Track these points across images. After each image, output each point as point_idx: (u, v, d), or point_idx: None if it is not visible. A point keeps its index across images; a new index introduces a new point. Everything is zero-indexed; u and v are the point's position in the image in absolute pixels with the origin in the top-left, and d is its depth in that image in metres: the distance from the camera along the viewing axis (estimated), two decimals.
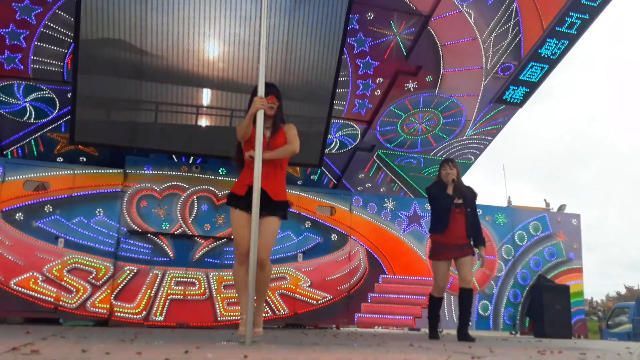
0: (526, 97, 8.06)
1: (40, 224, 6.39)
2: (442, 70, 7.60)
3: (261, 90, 3.78)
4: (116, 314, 6.43)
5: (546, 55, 7.44)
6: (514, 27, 7.17)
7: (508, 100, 8.05)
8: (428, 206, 8.05)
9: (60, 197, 6.53)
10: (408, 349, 3.60)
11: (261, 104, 3.73)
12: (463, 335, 5.24)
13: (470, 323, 5.59)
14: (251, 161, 3.74)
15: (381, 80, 7.66)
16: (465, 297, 5.34)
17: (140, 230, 6.69)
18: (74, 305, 6.31)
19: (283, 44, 6.60)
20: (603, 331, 16.38)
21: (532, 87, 7.91)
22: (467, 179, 9.34)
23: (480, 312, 7.97)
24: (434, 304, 5.56)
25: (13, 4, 6.28)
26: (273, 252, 7.03)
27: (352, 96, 7.77)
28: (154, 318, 6.54)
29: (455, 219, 5.38)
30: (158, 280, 6.64)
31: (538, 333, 7.92)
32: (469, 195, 5.50)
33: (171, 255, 6.76)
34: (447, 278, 5.50)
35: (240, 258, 3.91)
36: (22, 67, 6.77)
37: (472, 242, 5.45)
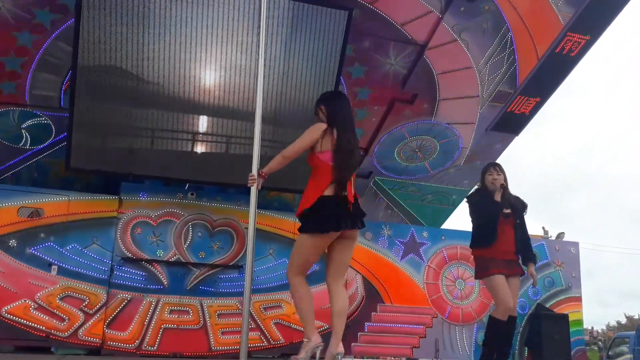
0: (524, 124, 8.12)
1: (33, 251, 6.32)
2: (438, 98, 7.64)
3: (259, 110, 3.81)
4: (109, 342, 6.32)
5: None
6: (509, 56, 7.24)
7: None
8: (426, 233, 8.03)
9: (54, 223, 6.47)
10: None
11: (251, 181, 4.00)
12: None
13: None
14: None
15: (377, 107, 7.69)
16: (511, 325, 4.66)
17: (134, 258, 6.62)
18: (66, 333, 6.20)
19: (281, 72, 6.64)
20: None
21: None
22: (465, 206, 9.27)
23: (479, 342, 7.86)
24: (497, 329, 4.62)
25: (12, 32, 6.32)
26: (269, 280, 7.03)
27: None
28: (147, 347, 6.42)
29: (503, 230, 4.70)
30: (152, 308, 6.54)
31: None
32: (518, 205, 4.87)
33: (165, 283, 6.68)
34: (511, 295, 4.63)
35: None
36: (19, 93, 6.78)
37: (520, 260, 4.79)
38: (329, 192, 3.69)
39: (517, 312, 7.97)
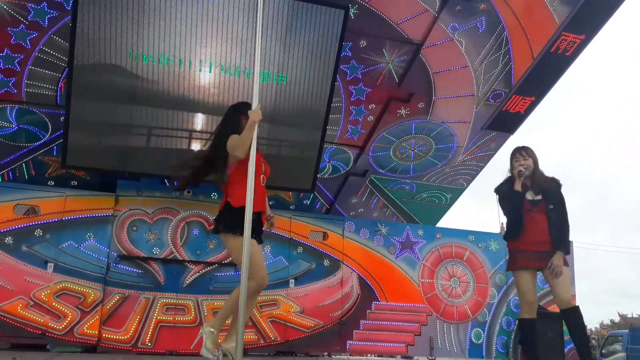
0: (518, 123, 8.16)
1: (29, 248, 6.33)
2: (433, 97, 7.67)
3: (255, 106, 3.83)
4: (105, 340, 6.33)
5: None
6: (505, 55, 7.27)
7: None
8: (421, 231, 8.07)
9: (50, 221, 6.47)
10: None
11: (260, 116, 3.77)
12: None
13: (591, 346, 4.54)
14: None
15: (373, 106, 7.71)
16: (568, 320, 4.25)
17: (130, 255, 6.63)
18: (62, 331, 6.21)
19: (277, 70, 6.65)
20: None
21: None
22: (459, 205, 9.34)
23: (473, 340, 7.90)
24: (528, 329, 4.38)
25: (8, 28, 6.31)
26: None
27: (345, 122, 7.81)
28: (143, 344, 6.44)
29: (532, 219, 4.33)
30: (148, 306, 6.56)
31: None
32: (551, 188, 4.40)
33: (161, 280, 6.69)
34: (534, 292, 4.37)
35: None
36: (15, 90, 6.77)
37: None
38: None
39: (511, 311, 8.12)
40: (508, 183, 4.53)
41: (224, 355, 3.61)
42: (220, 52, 6.42)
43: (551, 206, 4.32)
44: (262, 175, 3.93)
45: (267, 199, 4.20)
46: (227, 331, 3.81)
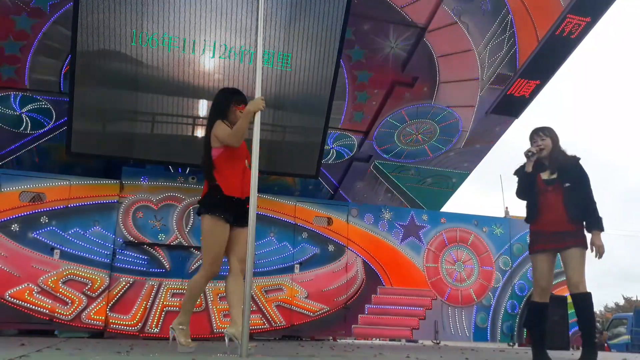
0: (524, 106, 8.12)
1: (36, 235, 6.36)
2: (438, 81, 7.63)
3: (258, 92, 3.80)
4: (111, 325, 6.39)
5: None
6: (509, 38, 7.22)
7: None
8: (426, 216, 8.08)
9: (56, 208, 6.50)
10: None
11: (263, 105, 3.76)
12: (585, 355, 3.94)
13: (595, 336, 4.40)
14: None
15: (377, 91, 7.69)
16: (577, 304, 4.10)
17: (136, 242, 6.67)
18: (69, 316, 6.27)
19: (280, 55, 6.61)
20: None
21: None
22: (464, 189, 9.32)
23: (478, 323, 7.94)
24: (534, 312, 4.30)
25: (11, 15, 6.30)
26: (270, 263, 7.09)
27: (349, 107, 7.80)
28: (150, 330, 6.50)
29: (548, 200, 4.21)
30: (154, 291, 6.60)
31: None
32: (567, 166, 4.24)
33: (167, 266, 6.73)
34: (548, 276, 4.24)
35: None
36: (18, 78, 6.77)
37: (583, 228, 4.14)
38: None
39: (516, 295, 8.14)
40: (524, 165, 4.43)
41: (230, 339, 3.64)
42: (224, 32, 6.37)
43: (567, 184, 4.16)
44: (246, 160, 3.91)
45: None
46: (230, 317, 3.82)
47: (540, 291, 4.22)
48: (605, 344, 14.32)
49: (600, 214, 4.14)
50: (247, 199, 3.67)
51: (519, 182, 4.42)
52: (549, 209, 4.19)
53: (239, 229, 3.84)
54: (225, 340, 3.66)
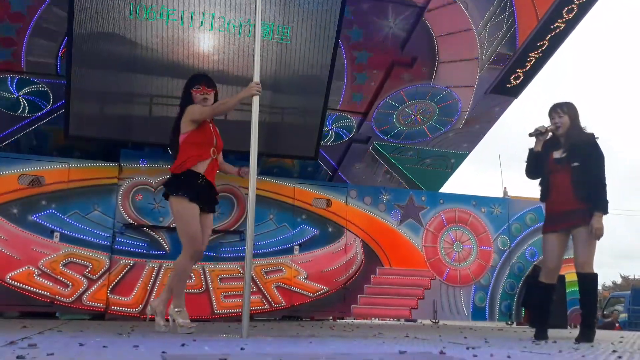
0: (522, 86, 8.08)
1: (35, 218, 6.37)
2: (437, 61, 7.59)
3: (256, 76, 3.81)
4: (112, 307, 6.43)
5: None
6: (509, 17, 7.16)
7: None
8: (424, 197, 8.09)
9: (55, 190, 6.50)
10: (404, 340, 3.61)
11: (258, 90, 3.76)
12: (582, 335, 3.97)
13: (596, 319, 4.41)
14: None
15: (377, 71, 7.64)
16: (581, 284, 4.10)
17: (135, 224, 6.68)
18: (70, 299, 6.30)
19: (280, 22, 6.54)
20: (599, 320, 16.48)
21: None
22: (463, 169, 9.33)
23: (477, 303, 8.00)
24: (540, 292, 4.32)
25: None
26: (271, 244, 7.12)
27: (348, 88, 7.76)
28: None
29: (556, 178, 4.17)
30: (154, 273, 6.63)
31: (534, 323, 7.94)
32: (579, 144, 4.13)
33: (167, 248, 6.76)
34: (557, 258, 4.21)
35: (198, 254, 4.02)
36: (15, 60, 6.72)
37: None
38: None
39: (514, 274, 8.18)
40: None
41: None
42: (222, 4, 6.30)
43: (575, 163, 4.07)
44: (213, 148, 3.96)
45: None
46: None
47: (547, 271, 4.21)
48: (617, 324, 14.42)
49: (608, 197, 4.03)
50: (213, 185, 3.88)
51: (527, 161, 4.38)
52: (558, 189, 4.13)
53: (205, 214, 3.91)
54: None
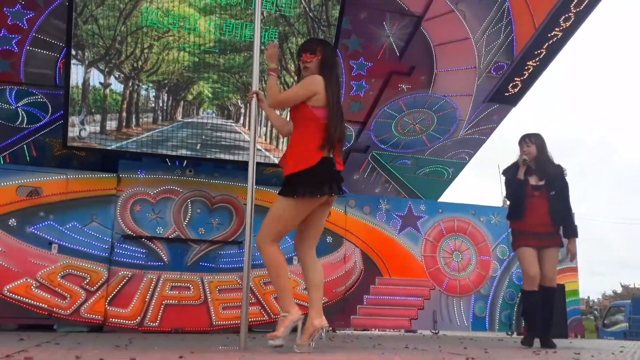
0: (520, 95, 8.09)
1: (33, 230, 6.35)
2: (435, 70, 7.61)
3: (255, 85, 3.78)
4: (110, 319, 6.39)
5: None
6: (506, 26, 7.19)
7: None
8: (423, 206, 8.08)
9: (53, 202, 6.48)
10: (403, 351, 3.59)
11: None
12: (544, 341, 4.66)
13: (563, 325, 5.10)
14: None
15: (375, 80, 7.66)
16: (545, 296, 4.70)
17: (134, 235, 6.66)
18: (68, 311, 6.27)
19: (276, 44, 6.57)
20: (599, 330, 16.40)
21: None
22: (461, 179, 9.32)
23: (477, 313, 7.96)
24: (526, 299, 4.80)
25: (5, 9, 6.25)
26: None
27: (346, 97, 7.77)
28: (149, 323, 6.50)
29: (533, 204, 4.71)
30: (152, 285, 6.60)
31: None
32: (555, 175, 4.75)
33: (166, 259, 6.73)
34: (535, 266, 4.68)
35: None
36: (14, 71, 6.73)
37: (561, 232, 4.78)
38: (326, 152, 3.31)
39: (514, 284, 8.16)
40: (514, 167, 4.87)
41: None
42: (219, 26, 6.34)
43: (553, 192, 4.68)
44: None
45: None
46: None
47: (530, 280, 4.66)
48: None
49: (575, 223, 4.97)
50: None
51: (511, 184, 4.84)
52: (534, 212, 4.69)
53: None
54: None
